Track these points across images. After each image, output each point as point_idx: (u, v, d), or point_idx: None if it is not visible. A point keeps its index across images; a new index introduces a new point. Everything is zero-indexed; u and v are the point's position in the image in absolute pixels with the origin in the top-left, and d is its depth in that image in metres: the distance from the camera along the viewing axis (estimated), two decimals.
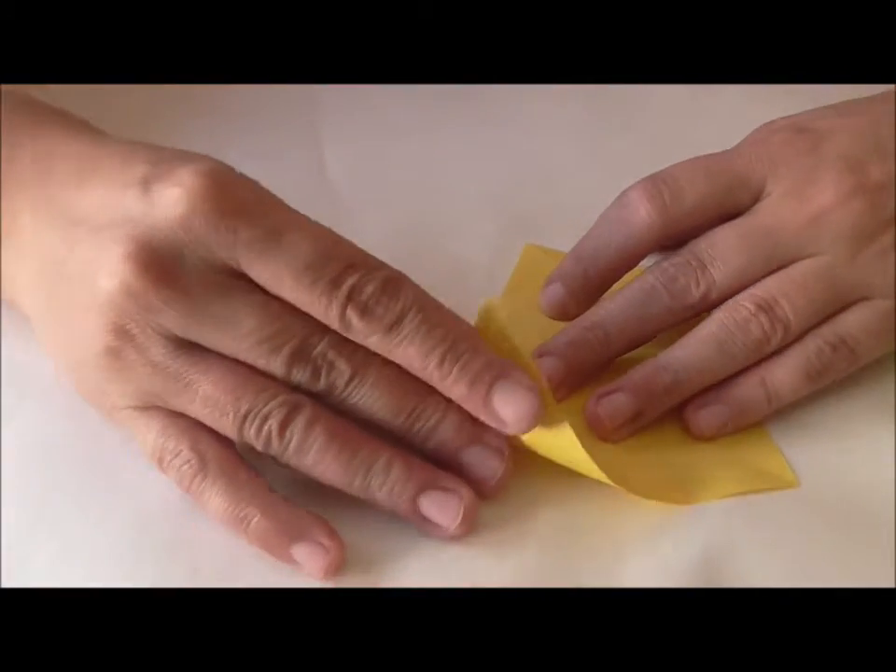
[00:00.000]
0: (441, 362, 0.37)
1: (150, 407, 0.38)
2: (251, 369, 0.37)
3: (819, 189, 0.42)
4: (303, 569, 0.36)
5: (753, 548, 0.37)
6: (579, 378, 0.42)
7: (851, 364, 0.42)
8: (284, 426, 0.37)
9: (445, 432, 0.38)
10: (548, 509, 0.39)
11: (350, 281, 0.37)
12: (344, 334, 0.37)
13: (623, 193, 0.43)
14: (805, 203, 0.42)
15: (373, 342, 0.37)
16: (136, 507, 0.38)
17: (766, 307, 0.41)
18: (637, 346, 0.42)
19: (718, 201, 0.43)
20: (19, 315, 0.42)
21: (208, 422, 0.37)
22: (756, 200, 0.43)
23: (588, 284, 0.43)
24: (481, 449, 0.38)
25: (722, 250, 0.42)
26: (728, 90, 0.49)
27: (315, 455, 0.37)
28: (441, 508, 0.37)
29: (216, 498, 0.37)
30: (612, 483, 0.38)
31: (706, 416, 0.41)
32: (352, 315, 0.36)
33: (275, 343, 0.37)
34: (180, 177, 0.37)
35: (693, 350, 0.41)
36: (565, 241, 0.45)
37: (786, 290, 0.41)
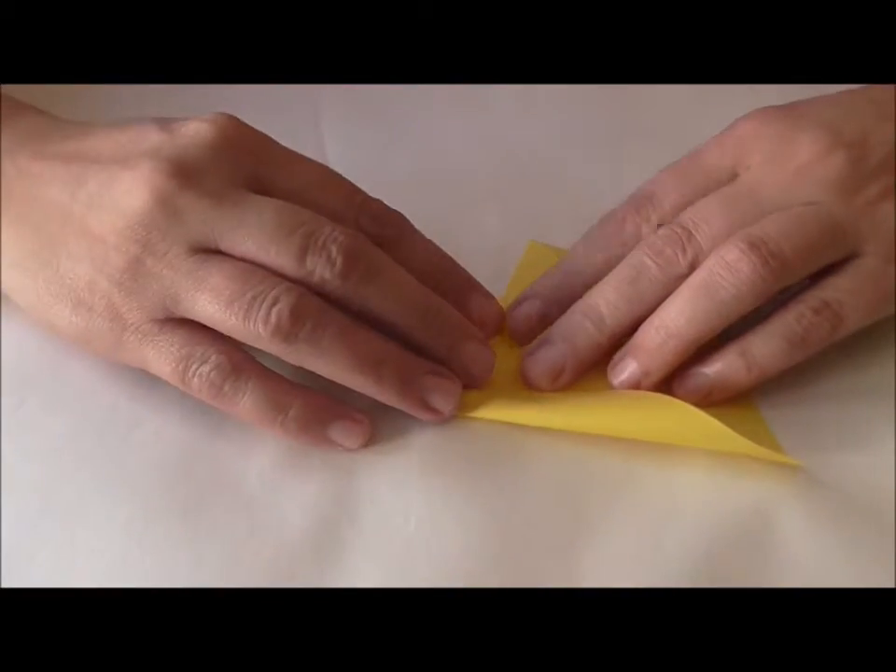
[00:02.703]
0: (448, 263, 0.43)
1: (168, 320, 0.39)
2: (263, 267, 0.38)
3: (796, 150, 0.43)
4: (339, 446, 0.39)
5: (753, 548, 0.38)
6: (582, 363, 0.42)
7: (836, 328, 0.41)
8: (297, 310, 0.37)
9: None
10: (547, 508, 0.39)
11: (359, 197, 0.41)
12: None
13: (609, 213, 0.44)
14: (784, 163, 0.42)
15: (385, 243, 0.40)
16: (139, 504, 0.38)
17: (758, 243, 0.40)
18: (636, 323, 0.42)
19: (698, 196, 0.43)
20: (20, 310, 0.42)
21: (217, 317, 0.38)
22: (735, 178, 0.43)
23: (570, 299, 0.43)
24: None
25: (705, 215, 0.42)
26: (729, 89, 0.50)
27: (331, 340, 0.38)
28: (444, 393, 0.40)
29: (251, 396, 0.38)
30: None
31: (688, 385, 0.41)
32: (364, 221, 0.41)
33: (290, 226, 0.38)
34: (203, 117, 0.41)
35: (681, 301, 0.41)
36: (567, 238, 0.45)
37: (780, 225, 0.41)
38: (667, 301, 0.41)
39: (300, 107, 0.55)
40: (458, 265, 0.43)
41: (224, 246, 0.38)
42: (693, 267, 0.41)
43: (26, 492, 0.39)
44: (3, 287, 0.41)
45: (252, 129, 0.41)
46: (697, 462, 0.40)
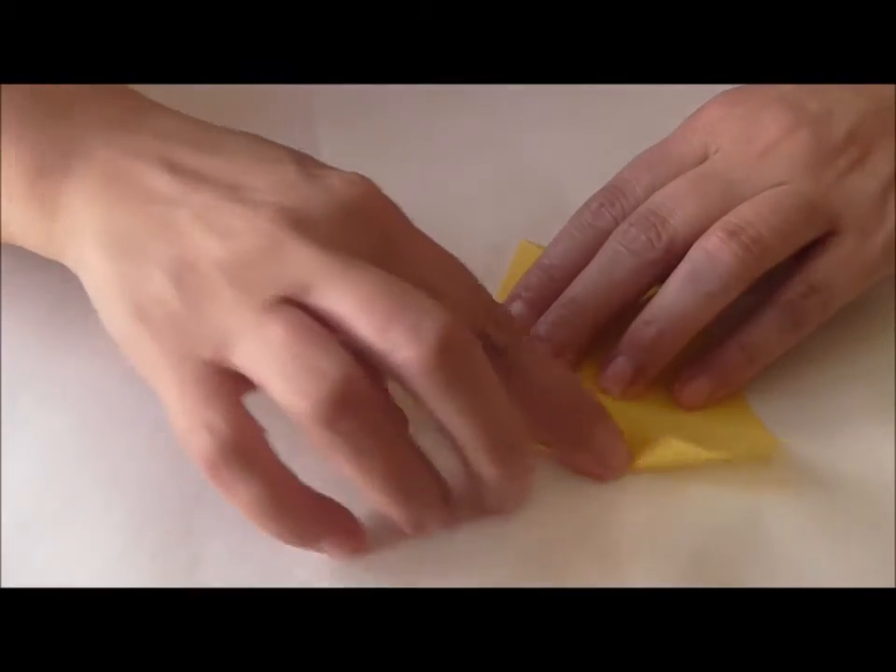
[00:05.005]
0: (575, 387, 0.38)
1: (211, 364, 0.34)
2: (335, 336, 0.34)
3: (761, 128, 0.43)
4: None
5: (753, 548, 0.37)
6: (570, 355, 0.42)
7: (826, 308, 0.42)
8: (344, 398, 0.33)
9: None
10: (545, 508, 0.38)
11: (485, 296, 0.38)
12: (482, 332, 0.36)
13: (584, 205, 0.44)
14: (751, 143, 0.43)
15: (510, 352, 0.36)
16: (136, 502, 0.38)
17: (736, 230, 0.40)
18: (617, 313, 0.42)
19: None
20: (18, 310, 0.42)
21: (258, 372, 0.34)
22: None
23: (552, 295, 0.43)
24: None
25: (677, 198, 0.42)
26: (727, 90, 0.49)
27: (372, 453, 0.34)
28: (440, 523, 0.36)
29: (249, 490, 0.34)
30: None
31: (692, 388, 0.42)
32: (490, 325, 0.36)
33: (385, 290, 0.34)
34: (345, 174, 0.37)
35: (669, 294, 0.41)
36: None
37: (757, 210, 0.41)
38: (655, 297, 0.41)
39: (296, 108, 0.55)
40: (583, 389, 0.39)
41: (312, 299, 0.34)
42: (669, 250, 0.41)
43: (22, 491, 0.39)
44: (76, 262, 0.38)
45: (389, 201, 0.37)
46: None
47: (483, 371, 0.34)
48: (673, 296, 0.41)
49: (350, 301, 0.34)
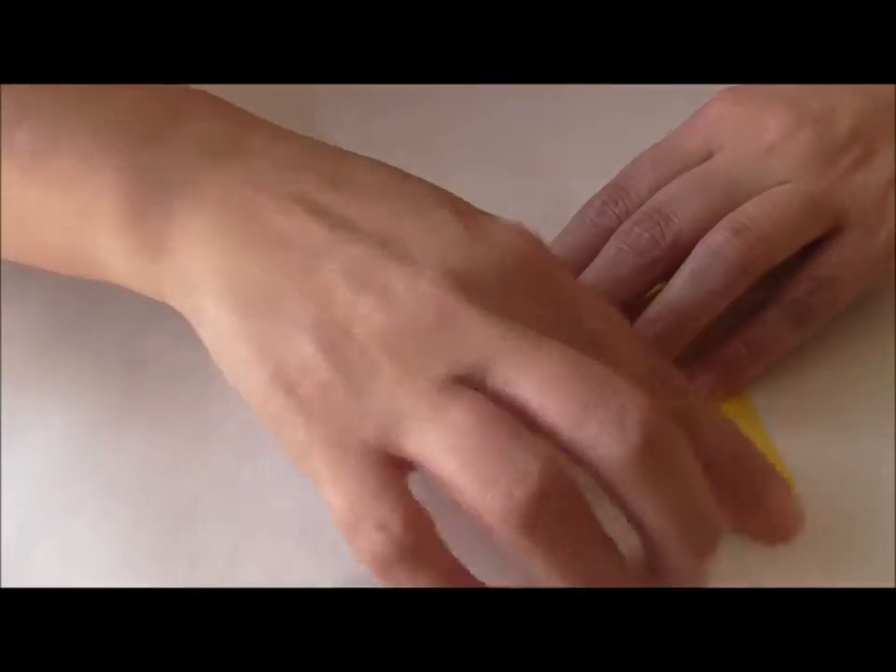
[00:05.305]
0: (745, 445, 0.35)
1: (374, 450, 0.31)
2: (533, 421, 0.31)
3: (763, 129, 0.43)
4: None
5: (753, 548, 0.37)
6: None
7: (832, 305, 0.42)
8: (545, 494, 0.30)
9: None
10: None
11: (652, 355, 0.35)
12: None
13: (587, 203, 0.44)
14: (755, 141, 0.43)
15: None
16: (134, 505, 0.38)
17: (741, 228, 0.40)
18: (621, 311, 0.41)
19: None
20: (17, 309, 0.42)
21: (439, 463, 0.31)
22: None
23: None
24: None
25: (681, 196, 0.42)
26: (730, 88, 0.49)
27: (569, 555, 0.31)
28: None
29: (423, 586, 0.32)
30: None
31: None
32: (658, 385, 0.34)
33: (580, 375, 0.31)
34: (508, 225, 0.34)
35: (673, 292, 0.41)
36: None
37: (761, 208, 0.41)
38: (660, 294, 0.41)
39: (296, 109, 0.55)
40: (753, 446, 0.35)
41: (492, 379, 0.31)
42: (672, 249, 0.41)
43: (22, 491, 0.39)
44: (190, 310, 0.34)
45: (552, 253, 0.35)
46: None
47: (686, 462, 0.32)
48: (677, 293, 0.41)
49: (539, 384, 0.31)
